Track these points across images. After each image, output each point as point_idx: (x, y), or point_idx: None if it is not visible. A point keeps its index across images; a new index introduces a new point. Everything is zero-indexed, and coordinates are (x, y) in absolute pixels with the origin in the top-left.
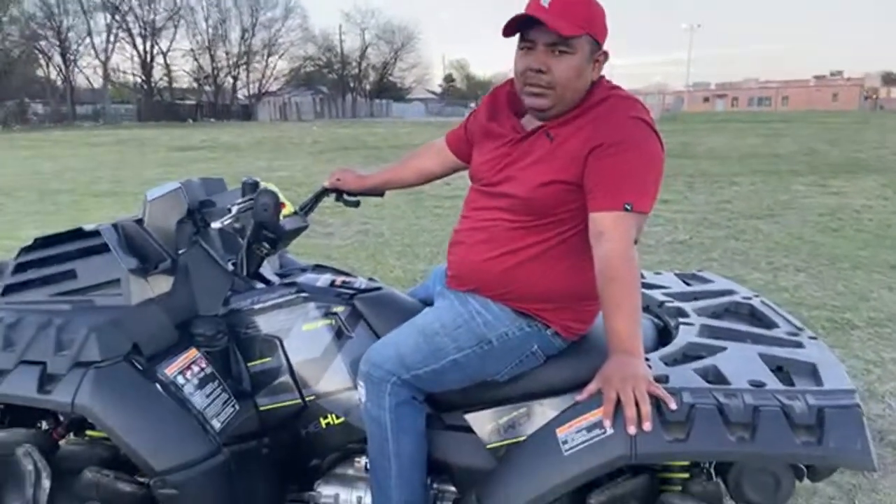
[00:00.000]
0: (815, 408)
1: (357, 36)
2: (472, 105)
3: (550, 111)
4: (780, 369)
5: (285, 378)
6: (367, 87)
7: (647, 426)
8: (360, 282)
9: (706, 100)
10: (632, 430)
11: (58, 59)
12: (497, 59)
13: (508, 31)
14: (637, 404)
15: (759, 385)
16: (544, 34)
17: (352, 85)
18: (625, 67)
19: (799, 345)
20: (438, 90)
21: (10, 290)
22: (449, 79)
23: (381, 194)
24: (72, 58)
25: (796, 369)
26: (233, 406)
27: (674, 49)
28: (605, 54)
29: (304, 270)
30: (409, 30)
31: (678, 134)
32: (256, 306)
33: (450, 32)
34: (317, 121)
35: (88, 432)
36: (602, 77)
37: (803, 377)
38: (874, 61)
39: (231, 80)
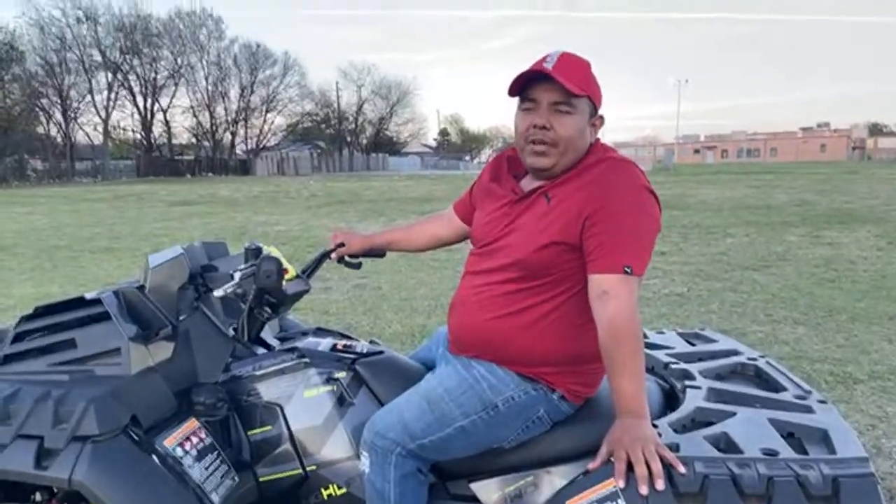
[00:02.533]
0: (829, 477)
1: (354, 92)
2: (467, 158)
3: (552, 170)
4: (791, 435)
5: (286, 447)
6: (364, 141)
7: (659, 485)
8: (362, 345)
9: (696, 151)
10: (644, 489)
11: (58, 116)
12: (490, 115)
13: (514, 89)
14: (648, 464)
15: (772, 454)
16: (549, 93)
17: (348, 139)
18: (616, 121)
19: (809, 409)
20: (434, 144)
21: (9, 359)
22: (444, 133)
23: (384, 254)
24: (72, 115)
25: (808, 436)
26: (232, 478)
27: (663, 103)
28: (602, 118)
29: (305, 334)
30: (405, 86)
31: (671, 185)
32: (257, 372)
33: (444, 88)
34: (314, 175)
35: None
36: (597, 140)
37: (815, 444)
38: (860, 113)
39: (230, 136)
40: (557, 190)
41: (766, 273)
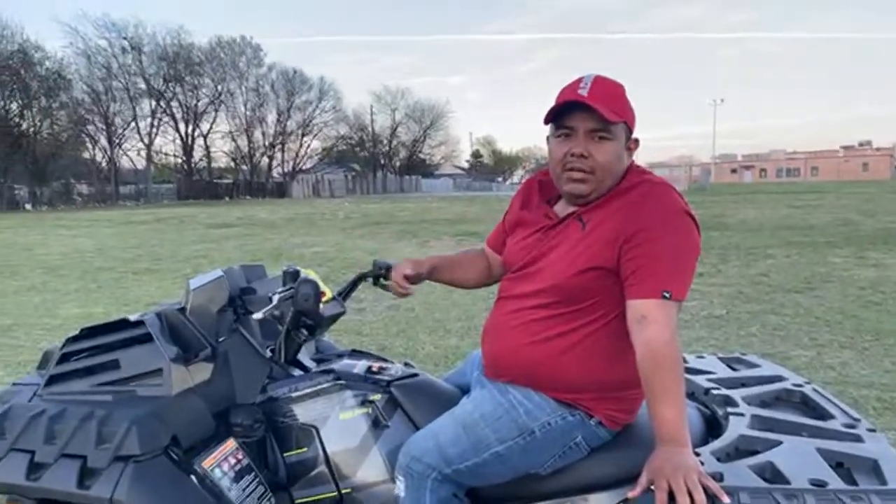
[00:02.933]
0: None
1: (388, 115)
2: (500, 180)
3: (589, 196)
4: (840, 465)
5: (322, 469)
6: (397, 163)
7: None
8: (397, 368)
9: (734, 171)
10: None
11: (104, 141)
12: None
13: (550, 116)
14: (690, 495)
15: (821, 484)
16: (586, 121)
17: (382, 162)
18: (650, 140)
19: (858, 438)
20: (466, 165)
21: (54, 379)
22: (476, 154)
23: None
24: (117, 141)
25: (858, 466)
26: (269, 500)
27: (698, 122)
28: (636, 141)
29: (340, 356)
30: (438, 109)
31: (707, 205)
32: (294, 394)
33: (477, 111)
34: (348, 197)
35: None
36: (632, 162)
37: (865, 475)
38: None
39: (267, 160)
40: (592, 214)
41: (809, 295)
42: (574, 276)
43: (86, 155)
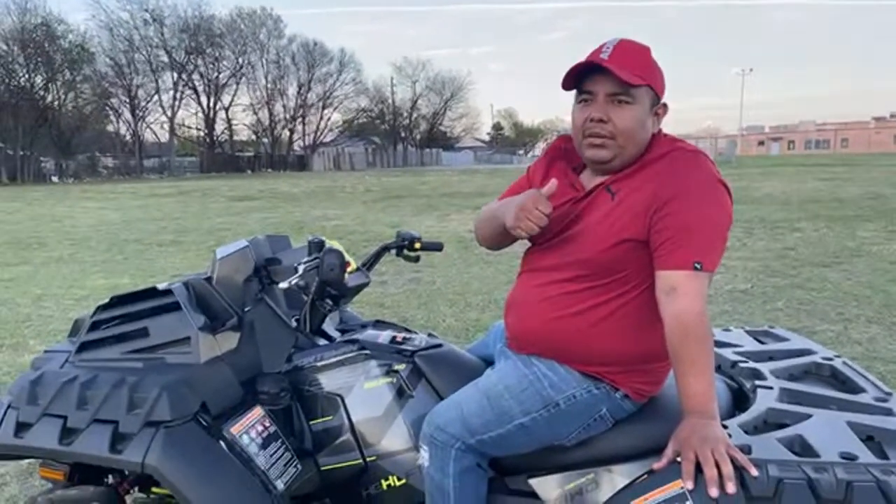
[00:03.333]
0: None
1: (408, 88)
2: (521, 152)
3: (611, 163)
4: (870, 439)
5: (347, 437)
6: (418, 136)
7: (730, 488)
8: (421, 338)
9: (761, 143)
10: (714, 492)
11: (127, 115)
12: (543, 109)
13: (568, 81)
14: (718, 466)
15: (851, 458)
16: (605, 84)
17: (403, 135)
18: (675, 112)
19: (889, 412)
20: (487, 138)
21: (85, 347)
22: (497, 127)
23: (441, 247)
24: (140, 114)
25: (889, 440)
26: (295, 466)
27: (724, 93)
28: (665, 107)
29: (364, 326)
30: (459, 81)
31: (733, 178)
32: (319, 363)
33: (498, 83)
34: (369, 170)
35: (154, 489)
36: (661, 130)
37: None
38: None
39: (288, 133)
40: (622, 184)
41: (836, 269)
42: (607, 249)
43: (110, 128)
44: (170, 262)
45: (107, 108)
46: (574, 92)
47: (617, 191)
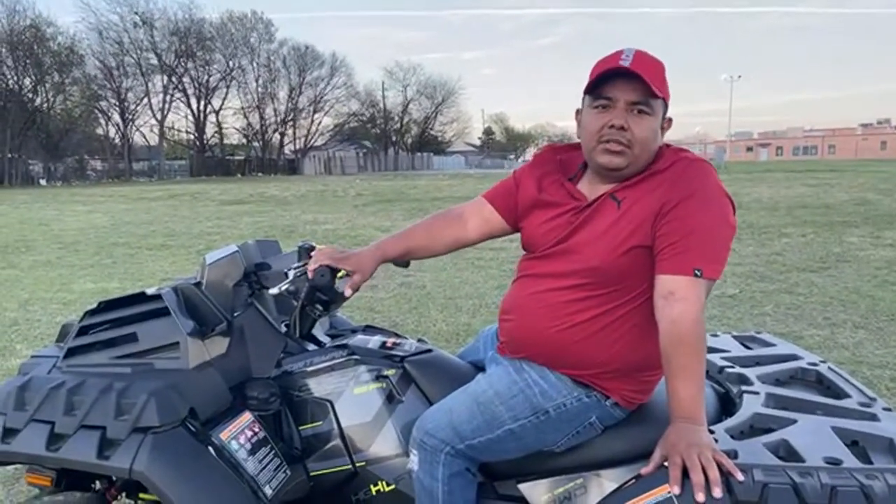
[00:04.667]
0: (895, 488)
1: (399, 92)
2: (512, 157)
3: (624, 171)
4: (855, 444)
5: (336, 442)
6: (409, 140)
7: (716, 492)
8: (411, 344)
9: (749, 149)
10: (700, 497)
11: (117, 118)
12: (534, 114)
13: (590, 86)
14: (704, 471)
15: (835, 462)
16: (627, 92)
17: (394, 139)
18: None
19: (874, 417)
20: (478, 143)
21: (73, 352)
22: (488, 132)
23: (407, 264)
24: (130, 117)
25: (872, 445)
26: (284, 471)
27: (714, 99)
28: (670, 121)
29: (354, 332)
30: (450, 85)
31: (723, 184)
32: (309, 368)
33: (489, 87)
34: (360, 174)
35: (141, 495)
36: (665, 142)
37: (881, 454)
38: None
39: (278, 136)
40: (627, 193)
41: (823, 275)
42: (616, 258)
43: (99, 131)
44: (159, 265)
45: (96, 110)
46: (586, 97)
47: (622, 199)
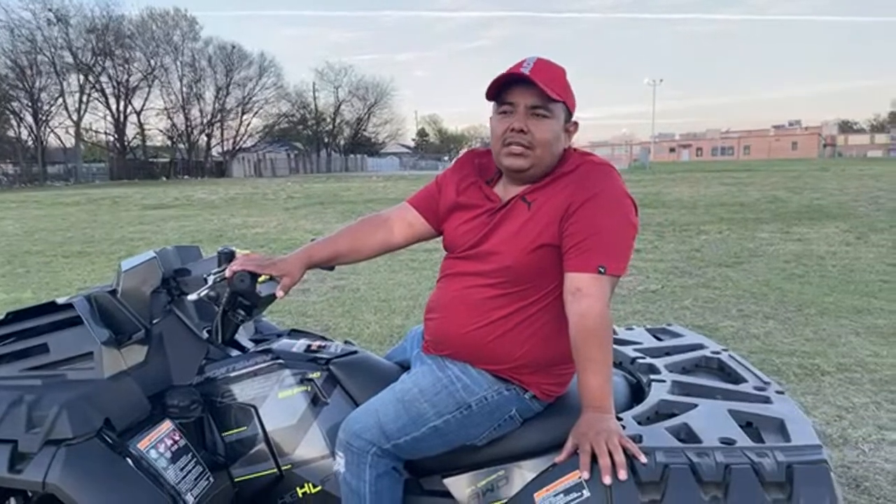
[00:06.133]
0: (783, 464)
1: (331, 93)
2: (446, 158)
3: (528, 172)
4: (749, 425)
5: (261, 447)
6: (342, 142)
7: (621, 475)
8: (336, 346)
9: (672, 150)
10: (607, 479)
11: (29, 119)
12: (467, 116)
13: (491, 92)
14: (611, 455)
15: (729, 442)
16: (526, 97)
17: (326, 140)
18: (593, 120)
19: (767, 400)
20: (412, 144)
21: None
22: (422, 133)
23: (332, 268)
24: (43, 118)
25: (765, 425)
26: (207, 479)
27: (638, 102)
28: (576, 124)
29: (279, 336)
30: (382, 87)
31: (647, 184)
32: (231, 374)
33: (422, 89)
34: (291, 176)
35: None
36: (571, 146)
37: (772, 433)
38: (831, 111)
39: (205, 138)
40: (537, 194)
41: (737, 269)
42: (525, 255)
43: (10, 133)
44: (76, 274)
45: (7, 112)
46: (493, 104)
47: (532, 201)
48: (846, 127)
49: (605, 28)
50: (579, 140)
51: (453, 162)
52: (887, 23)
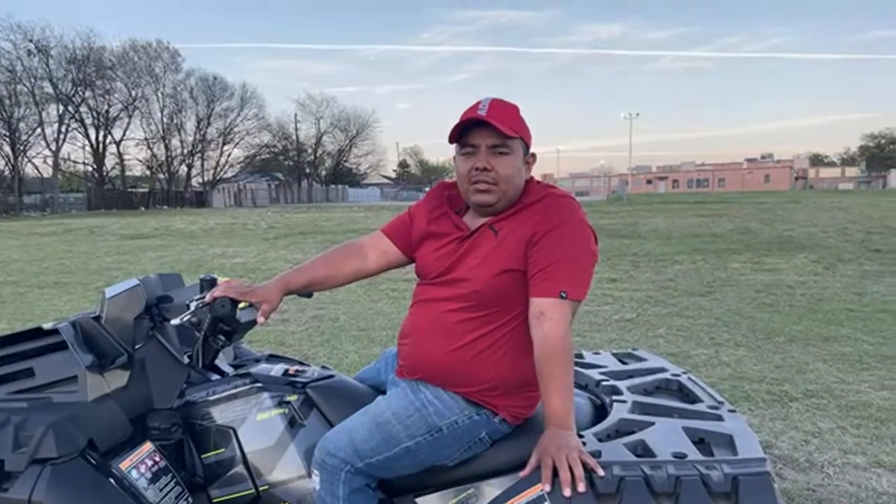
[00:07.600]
0: (730, 476)
1: (312, 124)
2: (427, 189)
3: (496, 206)
4: (701, 441)
5: (239, 468)
6: (323, 173)
7: (580, 487)
8: (313, 370)
9: (649, 182)
10: (567, 492)
11: (6, 148)
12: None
13: (454, 135)
14: (571, 469)
15: (681, 456)
16: (486, 137)
17: (307, 171)
18: (573, 152)
19: (719, 418)
20: (393, 175)
21: None
22: (403, 164)
23: (310, 295)
24: (21, 148)
25: (716, 441)
26: (186, 499)
27: (615, 135)
28: (534, 156)
29: (258, 361)
30: (364, 118)
31: (624, 215)
32: (211, 397)
33: (404, 121)
34: (272, 206)
35: None
36: (532, 177)
37: (722, 448)
38: (802, 144)
39: (185, 168)
40: (503, 223)
41: (710, 298)
42: (492, 279)
43: None
44: (52, 304)
45: None
46: (456, 145)
47: (499, 229)
48: (817, 160)
49: (584, 63)
50: (560, 172)
51: (424, 193)
52: (857, 60)
